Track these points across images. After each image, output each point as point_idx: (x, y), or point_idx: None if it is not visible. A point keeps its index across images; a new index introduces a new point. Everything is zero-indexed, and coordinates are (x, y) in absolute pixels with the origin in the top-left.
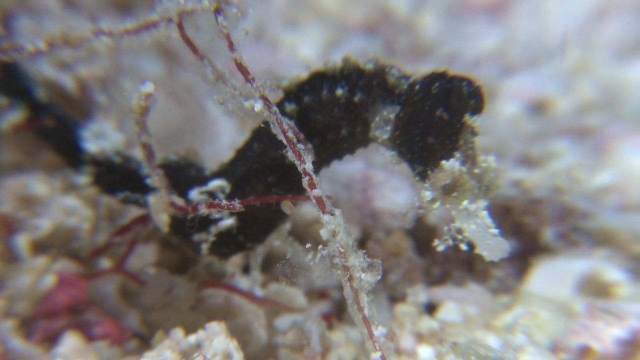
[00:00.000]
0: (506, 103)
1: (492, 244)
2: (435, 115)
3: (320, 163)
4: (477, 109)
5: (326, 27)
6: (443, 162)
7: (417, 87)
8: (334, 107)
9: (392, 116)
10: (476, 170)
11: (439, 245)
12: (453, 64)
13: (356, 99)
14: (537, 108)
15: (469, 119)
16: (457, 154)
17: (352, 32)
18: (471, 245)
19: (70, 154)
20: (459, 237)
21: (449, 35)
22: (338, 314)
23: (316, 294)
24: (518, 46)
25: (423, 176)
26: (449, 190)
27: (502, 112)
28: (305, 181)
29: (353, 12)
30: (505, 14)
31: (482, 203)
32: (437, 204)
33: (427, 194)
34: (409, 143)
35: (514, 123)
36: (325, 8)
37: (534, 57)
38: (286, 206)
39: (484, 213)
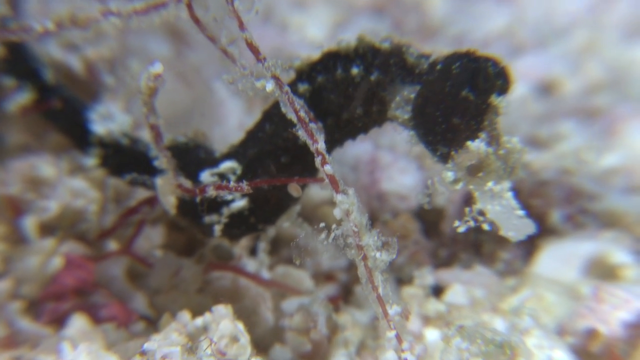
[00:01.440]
0: (515, 83)
1: (518, 225)
2: (460, 96)
3: (334, 143)
4: (503, 90)
5: (334, 8)
6: (469, 142)
7: (439, 66)
8: (348, 87)
9: (412, 96)
10: (501, 151)
11: (460, 227)
12: (461, 44)
13: (372, 77)
14: (545, 89)
15: (495, 100)
16: (483, 135)
17: (360, 13)
18: (493, 226)
19: (78, 135)
20: (481, 218)
21: (457, 15)
22: (345, 296)
23: (323, 277)
24: (527, 26)
25: (445, 157)
26: (474, 171)
27: (511, 92)
28: (318, 161)
29: None
30: None
31: (507, 184)
32: (460, 185)
33: (450, 175)
34: (431, 123)
35: (522, 103)
36: None
37: (542, 37)
38: (293, 189)
39: (509, 194)
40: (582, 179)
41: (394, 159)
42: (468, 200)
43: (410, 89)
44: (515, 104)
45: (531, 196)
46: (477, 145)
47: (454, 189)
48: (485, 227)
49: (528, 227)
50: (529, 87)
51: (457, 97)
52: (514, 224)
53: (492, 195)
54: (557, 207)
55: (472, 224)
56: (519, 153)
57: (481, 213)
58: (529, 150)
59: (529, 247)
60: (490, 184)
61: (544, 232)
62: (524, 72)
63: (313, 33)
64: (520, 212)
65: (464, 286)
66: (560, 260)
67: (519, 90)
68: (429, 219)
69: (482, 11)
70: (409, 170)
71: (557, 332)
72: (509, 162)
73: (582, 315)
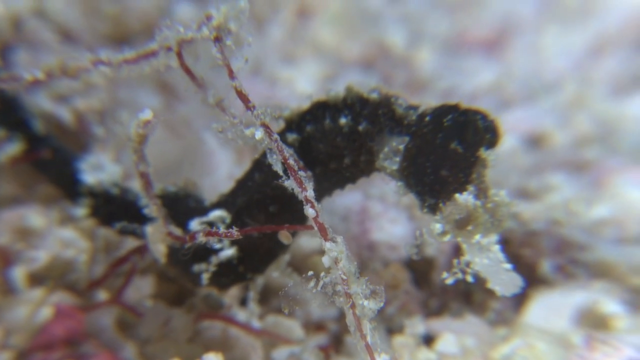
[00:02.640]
0: (504, 137)
1: (505, 279)
2: (449, 148)
3: (322, 192)
4: (492, 143)
5: (323, 62)
6: (457, 195)
7: (427, 118)
8: (336, 136)
9: (401, 147)
10: (489, 205)
11: (448, 279)
12: (450, 97)
13: (360, 128)
14: (535, 141)
15: (483, 153)
16: (471, 188)
17: (350, 67)
18: (477, 278)
19: (68, 186)
20: (468, 270)
21: (445, 70)
22: (336, 346)
23: (313, 326)
24: (515, 81)
25: (433, 209)
26: (462, 224)
27: (500, 146)
28: (307, 209)
29: (350, 47)
30: (502, 50)
31: (495, 237)
32: (447, 237)
33: (438, 227)
34: (419, 175)
35: (511, 156)
36: (322, 43)
37: (530, 91)
38: (283, 236)
39: (496, 247)
40: (572, 230)
41: (384, 209)
42: (457, 251)
43: (398, 140)
44: (505, 156)
45: (522, 246)
46: (465, 198)
47: (442, 241)
48: (469, 278)
49: (515, 282)
50: (519, 140)
51: (446, 149)
52: (501, 278)
53: (480, 248)
54: (548, 257)
55: (460, 276)
56: (507, 206)
57: (469, 265)
58: (519, 201)
59: (520, 296)
60: (477, 237)
61: (534, 282)
62: (514, 125)
63: (302, 87)
64: (508, 266)
65: (455, 335)
66: (550, 310)
67: (508, 142)
68: (420, 269)
69: (470, 66)
70: (399, 220)
71: None
72: (497, 215)
73: None
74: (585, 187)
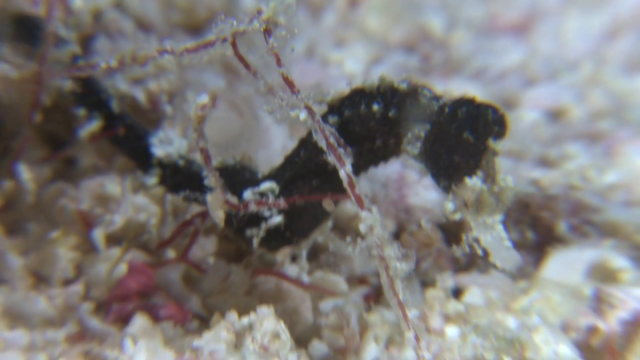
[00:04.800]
0: (527, 111)
1: (505, 255)
2: (462, 137)
3: (358, 169)
4: (500, 135)
5: (370, 45)
6: (466, 179)
7: (446, 109)
8: (370, 121)
9: (422, 134)
10: (495, 189)
11: (457, 251)
12: (482, 76)
13: (390, 114)
14: (554, 115)
15: (492, 143)
16: (480, 173)
17: (393, 50)
18: (486, 253)
19: (141, 158)
20: (475, 245)
21: (478, 51)
22: (376, 297)
23: (356, 280)
24: (539, 61)
25: (447, 189)
26: (471, 204)
27: (524, 119)
28: (345, 182)
29: (394, 31)
30: (529, 33)
31: (498, 217)
32: (458, 215)
33: (450, 206)
34: (436, 159)
35: (533, 128)
36: (369, 28)
37: (553, 70)
38: (327, 203)
39: (500, 227)
40: (587, 194)
41: (419, 177)
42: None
43: (421, 127)
44: (528, 129)
45: (541, 209)
46: (473, 182)
47: (453, 218)
48: (479, 252)
49: (514, 259)
50: (541, 114)
51: (460, 138)
52: (502, 254)
53: (485, 226)
54: (564, 218)
55: (467, 250)
56: (512, 190)
57: (476, 240)
58: (540, 168)
59: (539, 253)
60: (484, 216)
61: (552, 240)
62: (536, 101)
63: (351, 68)
64: (509, 244)
65: (481, 288)
66: (566, 265)
67: (532, 115)
68: (450, 229)
69: (500, 47)
70: (432, 186)
71: (562, 329)
72: (502, 198)
73: (585, 313)
74: (598, 155)
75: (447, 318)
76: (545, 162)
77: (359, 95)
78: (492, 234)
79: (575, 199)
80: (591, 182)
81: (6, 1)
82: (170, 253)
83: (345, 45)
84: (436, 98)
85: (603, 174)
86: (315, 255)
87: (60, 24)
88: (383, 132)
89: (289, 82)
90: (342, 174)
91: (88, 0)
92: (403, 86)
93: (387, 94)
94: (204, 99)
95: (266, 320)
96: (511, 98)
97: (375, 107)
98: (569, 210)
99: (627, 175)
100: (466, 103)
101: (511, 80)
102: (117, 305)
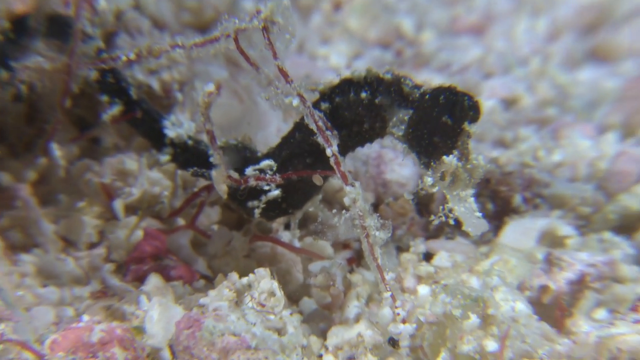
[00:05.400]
0: (486, 99)
1: (476, 223)
2: (441, 121)
3: (347, 149)
4: (474, 119)
5: (351, 42)
6: (444, 157)
7: (427, 96)
8: (358, 107)
9: (406, 118)
10: (469, 166)
11: (434, 220)
12: (447, 70)
13: (377, 101)
14: (509, 103)
15: (467, 126)
16: (456, 152)
17: (371, 46)
18: (458, 222)
19: (155, 138)
20: (450, 215)
21: (443, 48)
22: (358, 260)
23: (340, 245)
24: (494, 57)
25: (427, 165)
26: (447, 179)
27: (483, 106)
28: (332, 160)
29: (372, 31)
30: (485, 33)
31: (470, 191)
32: (435, 188)
33: (429, 180)
34: (418, 139)
35: (491, 114)
36: (350, 28)
37: (506, 65)
38: (316, 179)
39: (472, 199)
40: (537, 171)
41: (395, 156)
42: (443, 198)
43: (404, 112)
44: (486, 115)
45: (499, 184)
46: (450, 160)
47: (431, 191)
48: (451, 221)
49: (483, 226)
50: (497, 102)
51: (439, 121)
52: (473, 222)
53: (459, 198)
54: (519, 192)
55: (443, 219)
56: (482, 168)
57: (451, 211)
58: (498, 149)
59: (498, 223)
60: (458, 190)
61: (509, 211)
62: (493, 91)
63: (335, 61)
64: (479, 214)
65: (448, 253)
66: (521, 233)
67: (489, 104)
68: (422, 201)
69: (462, 45)
70: (406, 164)
71: (518, 288)
72: (474, 175)
73: (537, 275)
74: (546, 138)
75: (419, 278)
76: (502, 144)
77: (348, 84)
78: (464, 205)
79: (528, 175)
80: (541, 160)
81: (41, 3)
82: (180, 221)
83: (330, 42)
84: (417, 87)
85: (551, 153)
86: (305, 223)
87: (87, 22)
88: (370, 117)
89: (283, 73)
90: (329, 152)
91: (111, 1)
92: (388, 76)
93: (373, 83)
94: (210, 87)
95: (263, 280)
96: (472, 88)
97: (364, 94)
98: (522, 185)
99: (571, 155)
100: (445, 91)
101: (471, 73)
102: (134, 266)
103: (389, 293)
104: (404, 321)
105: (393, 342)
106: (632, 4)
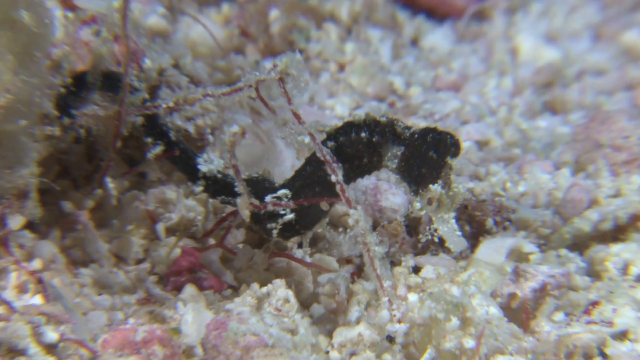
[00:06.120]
0: (463, 141)
1: (457, 241)
2: (428, 155)
3: (349, 180)
4: (455, 154)
5: (353, 96)
6: (430, 186)
7: (416, 135)
8: (359, 144)
9: (398, 153)
10: (451, 193)
11: (422, 239)
12: (431, 118)
13: (374, 139)
14: (482, 144)
15: (449, 160)
16: (440, 182)
17: (369, 99)
18: (442, 240)
19: (191, 173)
20: (435, 234)
21: (427, 101)
22: (358, 273)
23: (344, 260)
24: (469, 108)
25: (416, 193)
26: (433, 204)
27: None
28: (337, 188)
29: (369, 87)
30: (462, 89)
31: (452, 214)
32: (423, 212)
33: (417, 205)
34: (409, 171)
35: (467, 153)
36: (352, 85)
37: (479, 114)
38: (323, 205)
39: (453, 221)
40: (506, 199)
41: (389, 187)
42: (429, 220)
43: (397, 148)
44: (464, 154)
45: (475, 210)
46: (435, 188)
47: (420, 214)
48: (436, 240)
49: (462, 244)
50: (472, 143)
51: (426, 156)
52: (454, 241)
53: (443, 220)
54: (491, 216)
55: (429, 237)
56: (462, 195)
57: (436, 230)
58: (474, 182)
59: (474, 241)
60: (441, 213)
61: (483, 232)
62: (469, 135)
63: (340, 111)
64: (459, 233)
65: (433, 266)
66: (493, 250)
67: (466, 144)
68: (412, 224)
69: (443, 98)
70: (398, 194)
71: (491, 295)
72: (455, 200)
73: (507, 284)
74: (512, 172)
75: (409, 288)
76: (477, 177)
77: (350, 126)
78: (447, 226)
79: (498, 202)
80: (509, 191)
81: (97, 62)
82: (211, 240)
83: (336, 95)
84: (407, 128)
85: (516, 185)
86: (315, 242)
87: (135, 78)
88: (369, 152)
89: (296, 115)
90: (334, 179)
91: (155, 61)
92: (383, 119)
93: (371, 124)
94: (235, 128)
95: (279, 289)
96: (455, 133)
97: (363, 134)
98: (494, 211)
99: (533, 186)
100: (431, 131)
101: (451, 120)
102: (173, 278)
103: (387, 298)
104: (399, 321)
105: (390, 339)
106: (579, 67)
